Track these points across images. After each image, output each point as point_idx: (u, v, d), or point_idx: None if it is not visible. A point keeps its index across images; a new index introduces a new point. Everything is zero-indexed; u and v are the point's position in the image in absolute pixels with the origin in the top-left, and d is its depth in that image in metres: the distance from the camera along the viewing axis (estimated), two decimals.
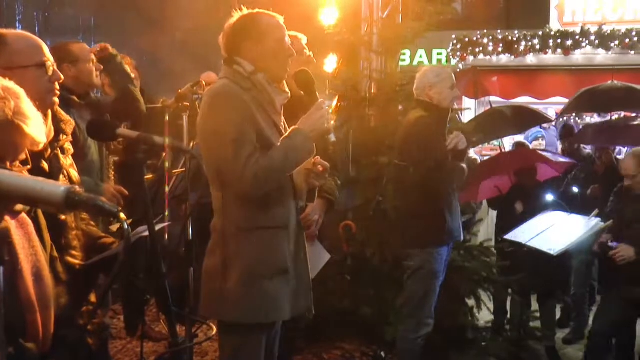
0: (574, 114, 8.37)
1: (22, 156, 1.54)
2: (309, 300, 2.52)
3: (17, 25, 13.63)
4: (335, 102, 4.65)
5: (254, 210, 2.30)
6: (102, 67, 3.26)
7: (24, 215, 1.51)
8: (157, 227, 1.82)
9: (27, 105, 1.52)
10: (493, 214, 5.60)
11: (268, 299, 2.33)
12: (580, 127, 7.42)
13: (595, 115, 8.32)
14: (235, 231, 2.30)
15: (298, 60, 2.98)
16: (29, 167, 1.60)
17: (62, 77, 2.02)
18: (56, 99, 1.97)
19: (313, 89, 2.57)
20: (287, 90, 2.44)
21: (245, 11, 2.37)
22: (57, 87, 1.97)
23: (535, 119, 6.51)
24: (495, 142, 8.14)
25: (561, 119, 7.76)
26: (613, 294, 3.91)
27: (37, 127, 1.53)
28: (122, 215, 1.06)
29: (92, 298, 2.00)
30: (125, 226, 1.05)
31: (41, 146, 1.57)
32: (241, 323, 2.33)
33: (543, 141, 7.19)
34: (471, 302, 4.24)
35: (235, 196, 2.29)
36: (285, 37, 2.38)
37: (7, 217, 1.18)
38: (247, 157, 2.19)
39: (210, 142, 2.28)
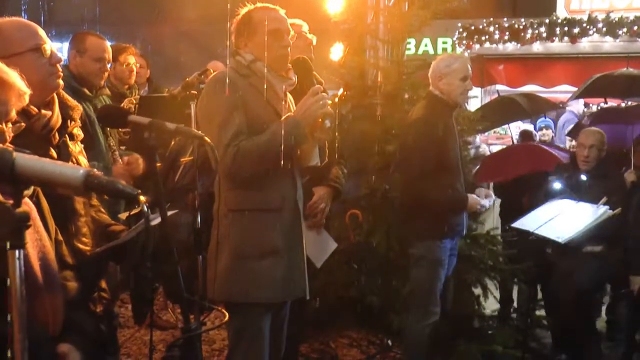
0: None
1: (13, 115, 1.52)
2: (303, 285, 2.54)
3: (23, 14, 13.63)
4: (341, 90, 4.62)
5: (244, 192, 2.39)
6: (108, 69, 3.24)
7: (26, 199, 1.50)
8: (168, 214, 1.82)
9: (2, 65, 1.51)
10: (499, 202, 5.58)
11: (256, 279, 2.39)
12: None
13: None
14: (226, 212, 2.41)
15: (297, 45, 2.98)
16: (22, 125, 1.58)
17: (62, 58, 1.97)
18: (60, 82, 1.93)
19: (311, 75, 2.61)
20: (291, 77, 2.49)
21: (248, 7, 2.48)
22: (60, 69, 1.92)
23: (544, 105, 6.54)
24: (502, 131, 8.11)
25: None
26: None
27: (18, 79, 1.52)
28: (142, 198, 1.06)
29: (103, 284, 2.01)
30: (145, 208, 1.05)
31: (26, 97, 1.54)
32: (232, 302, 2.42)
33: (548, 130, 7.16)
34: (478, 290, 4.24)
35: (225, 178, 2.39)
36: (279, 29, 2.43)
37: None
38: (229, 140, 2.29)
39: (202, 126, 2.42)
